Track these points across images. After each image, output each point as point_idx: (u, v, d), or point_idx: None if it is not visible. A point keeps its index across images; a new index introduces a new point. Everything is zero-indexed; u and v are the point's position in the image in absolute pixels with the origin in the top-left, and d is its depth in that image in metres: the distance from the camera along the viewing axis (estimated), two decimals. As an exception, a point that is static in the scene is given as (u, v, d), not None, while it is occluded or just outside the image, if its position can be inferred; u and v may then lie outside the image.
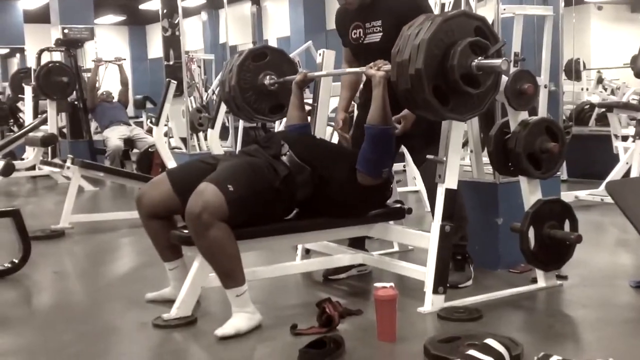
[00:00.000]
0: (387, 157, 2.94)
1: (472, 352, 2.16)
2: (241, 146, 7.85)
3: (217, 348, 2.55)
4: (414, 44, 2.54)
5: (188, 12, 12.04)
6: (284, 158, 2.86)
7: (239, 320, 2.65)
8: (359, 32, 3.18)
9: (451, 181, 2.88)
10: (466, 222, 3.21)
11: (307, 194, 2.88)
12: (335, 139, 4.04)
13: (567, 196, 4.64)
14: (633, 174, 5.28)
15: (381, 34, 3.10)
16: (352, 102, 3.65)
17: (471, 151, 3.66)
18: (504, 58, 2.60)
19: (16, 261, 3.68)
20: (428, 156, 2.93)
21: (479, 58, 2.58)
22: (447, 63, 2.56)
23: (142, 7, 15.05)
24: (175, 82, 6.78)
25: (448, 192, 2.87)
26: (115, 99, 8.71)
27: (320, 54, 3.66)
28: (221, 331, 2.61)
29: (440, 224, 2.85)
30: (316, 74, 3.50)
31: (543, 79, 5.26)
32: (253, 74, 3.49)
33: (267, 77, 3.49)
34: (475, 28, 2.65)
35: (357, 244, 3.42)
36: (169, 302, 2.94)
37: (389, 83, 2.75)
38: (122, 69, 9.01)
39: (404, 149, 3.58)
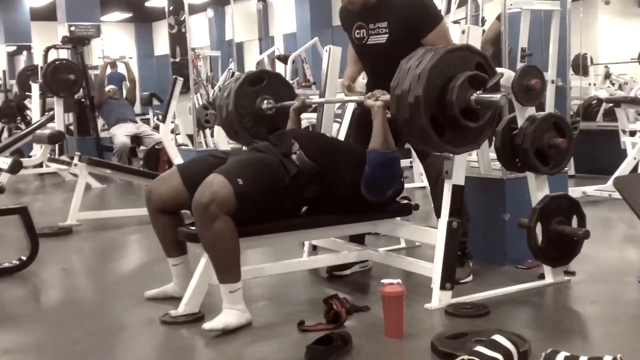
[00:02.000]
0: (390, 180, 2.95)
1: (480, 348, 2.16)
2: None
3: (224, 344, 2.56)
4: (414, 73, 2.53)
5: (194, 9, 12.06)
6: (294, 156, 2.85)
7: (228, 316, 2.65)
8: (362, 33, 3.15)
9: (458, 177, 2.87)
10: (467, 219, 3.20)
11: (315, 193, 2.87)
12: (341, 135, 4.01)
13: (574, 192, 4.62)
14: (641, 169, 5.26)
15: (387, 35, 3.06)
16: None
17: (478, 147, 3.65)
18: (502, 93, 2.59)
19: (24, 258, 3.70)
20: (435, 152, 2.92)
21: (478, 92, 2.57)
22: (446, 97, 2.54)
23: (148, 4, 15.08)
24: (182, 79, 6.79)
25: (455, 188, 2.87)
26: (122, 96, 8.73)
27: (326, 51, 3.65)
28: (209, 325, 2.60)
29: (448, 220, 2.84)
30: (314, 100, 3.47)
31: (550, 74, 5.23)
32: (250, 99, 3.44)
33: (265, 101, 3.45)
34: (476, 63, 2.64)
35: (357, 239, 3.41)
36: (172, 298, 2.95)
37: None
38: (129, 66, 9.03)
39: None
